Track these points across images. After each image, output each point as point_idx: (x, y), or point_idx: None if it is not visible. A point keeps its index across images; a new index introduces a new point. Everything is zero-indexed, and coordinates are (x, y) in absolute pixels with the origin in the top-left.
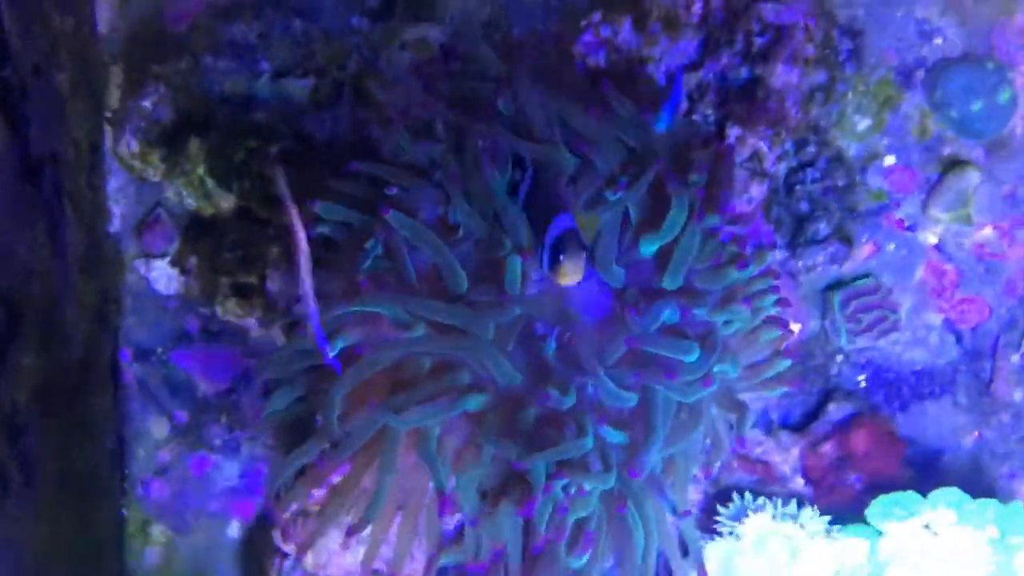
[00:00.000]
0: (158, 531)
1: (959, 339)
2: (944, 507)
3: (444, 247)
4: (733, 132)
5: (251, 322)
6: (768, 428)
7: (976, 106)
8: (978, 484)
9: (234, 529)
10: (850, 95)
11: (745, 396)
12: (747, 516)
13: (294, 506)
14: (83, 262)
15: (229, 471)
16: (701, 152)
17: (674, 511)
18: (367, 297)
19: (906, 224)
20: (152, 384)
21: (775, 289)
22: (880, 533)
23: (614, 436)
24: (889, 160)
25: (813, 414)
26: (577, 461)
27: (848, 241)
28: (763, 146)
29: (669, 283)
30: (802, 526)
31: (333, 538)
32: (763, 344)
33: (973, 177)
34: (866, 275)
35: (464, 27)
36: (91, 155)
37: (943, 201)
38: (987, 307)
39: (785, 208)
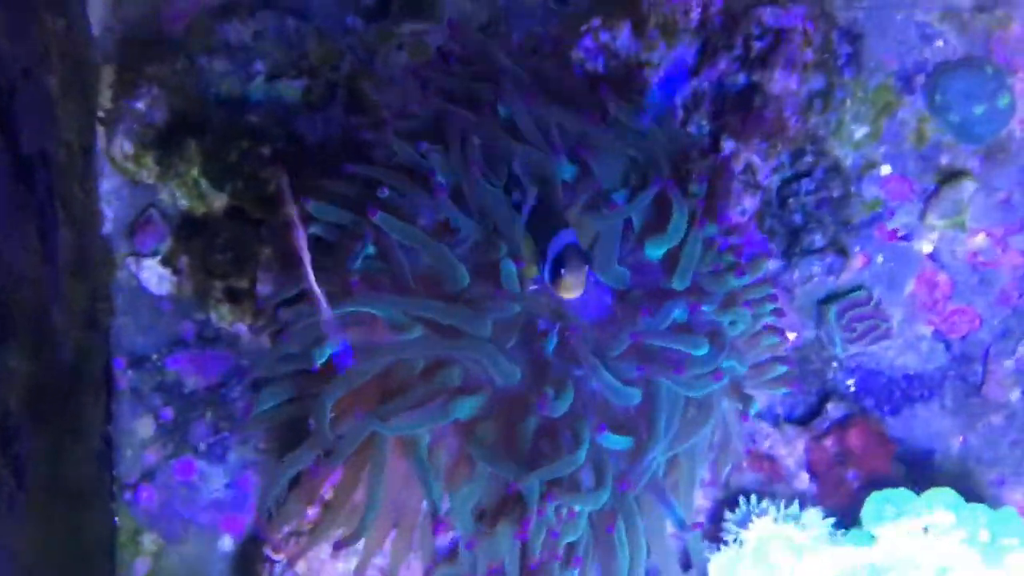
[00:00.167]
0: (149, 540)
1: (948, 347)
2: (943, 509)
3: (438, 245)
4: (728, 145)
5: (242, 327)
6: (775, 422)
7: (978, 109)
8: (966, 487)
9: (226, 540)
10: (848, 102)
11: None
12: (751, 521)
13: (286, 528)
14: (74, 265)
15: (218, 477)
16: (699, 163)
17: (681, 525)
18: (361, 297)
19: (900, 234)
20: (146, 390)
21: (773, 297)
22: (875, 535)
23: (615, 443)
24: (885, 169)
25: (814, 412)
26: (568, 479)
27: (844, 252)
28: (756, 160)
29: (678, 283)
30: (804, 528)
31: (325, 547)
32: (764, 348)
33: (969, 186)
34: (859, 287)
35: (463, 30)
36: (83, 157)
37: (940, 209)
38: (978, 317)
39: (778, 220)
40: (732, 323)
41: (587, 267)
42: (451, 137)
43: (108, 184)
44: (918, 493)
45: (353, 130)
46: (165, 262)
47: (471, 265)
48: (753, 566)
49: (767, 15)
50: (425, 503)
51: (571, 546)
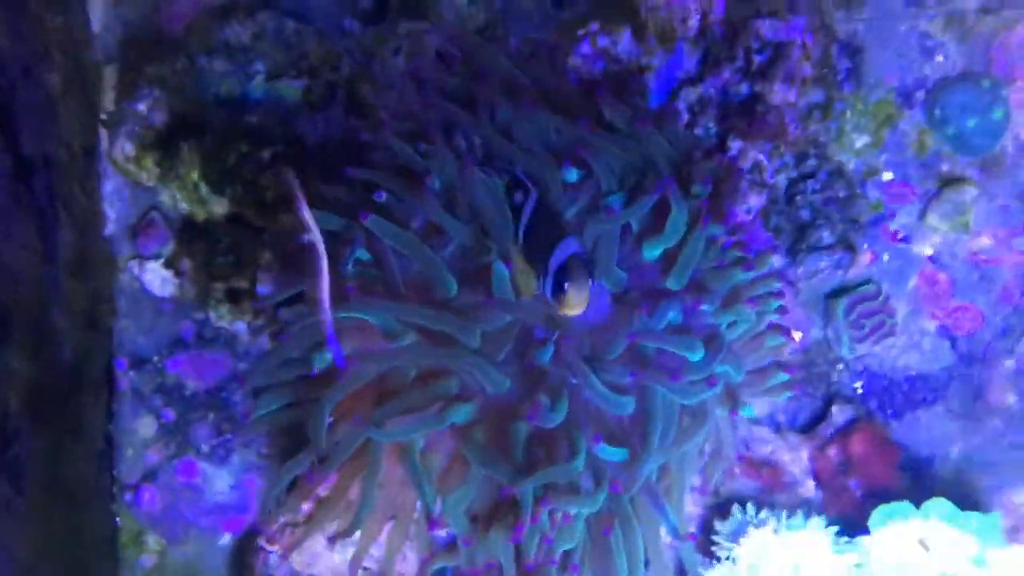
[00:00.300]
0: (152, 540)
1: (953, 344)
2: (937, 520)
3: (428, 251)
4: (735, 144)
5: (242, 327)
6: (776, 429)
7: (972, 122)
8: (966, 492)
9: (226, 538)
10: (848, 113)
11: (751, 400)
12: (746, 534)
13: (282, 518)
14: (75, 266)
15: (221, 479)
16: (704, 164)
17: (675, 534)
18: (354, 304)
19: (900, 235)
20: (147, 392)
21: (779, 294)
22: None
23: (610, 454)
24: (887, 175)
25: (819, 417)
26: (566, 483)
27: (852, 248)
28: (763, 158)
29: (674, 284)
30: (807, 538)
31: (320, 540)
32: (767, 350)
33: (971, 191)
34: (868, 281)
35: (460, 32)
36: (85, 158)
37: (941, 211)
38: (980, 315)
39: (785, 217)
40: (732, 324)
41: (591, 282)
42: (449, 136)
43: (110, 185)
44: (919, 503)
45: (352, 132)
46: (167, 264)
47: (459, 269)
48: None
49: (766, 28)
50: (420, 505)
51: (568, 552)
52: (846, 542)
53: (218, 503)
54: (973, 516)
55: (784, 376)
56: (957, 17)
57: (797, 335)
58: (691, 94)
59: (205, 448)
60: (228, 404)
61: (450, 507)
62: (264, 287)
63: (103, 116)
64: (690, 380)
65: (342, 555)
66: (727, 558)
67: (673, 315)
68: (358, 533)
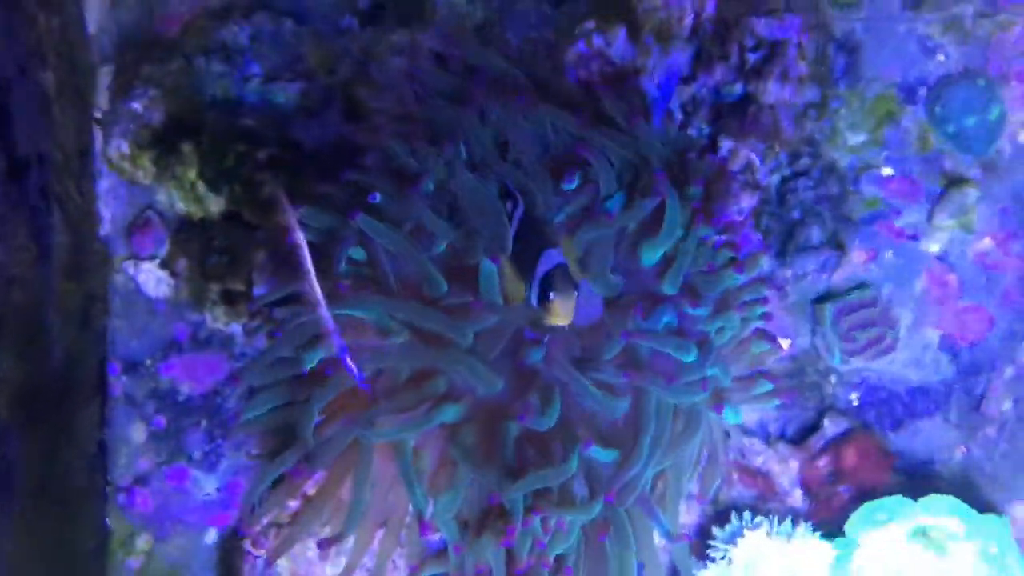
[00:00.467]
0: (141, 541)
1: (956, 353)
2: (946, 514)
3: (418, 251)
4: (725, 144)
5: (238, 329)
6: (766, 439)
7: (970, 121)
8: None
9: (211, 535)
10: (843, 111)
11: (738, 406)
12: (742, 536)
13: (266, 518)
14: (69, 266)
15: (210, 483)
16: (697, 164)
17: (668, 537)
18: (349, 300)
19: (908, 233)
20: (140, 396)
21: (764, 300)
22: (855, 543)
23: (603, 455)
24: (887, 171)
25: (810, 429)
26: (559, 489)
27: (841, 247)
28: (755, 158)
29: (668, 288)
30: (795, 543)
31: (311, 547)
32: (753, 357)
33: (972, 192)
34: (862, 285)
35: (457, 33)
36: (79, 158)
37: (948, 209)
38: (989, 317)
39: (776, 218)
40: (720, 330)
41: (576, 291)
42: (445, 138)
43: (105, 184)
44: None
45: (348, 133)
46: (163, 265)
47: (449, 270)
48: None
49: (760, 26)
50: (411, 508)
51: (561, 556)
52: (833, 545)
53: (205, 502)
54: (984, 516)
55: (768, 385)
56: (956, 21)
57: (785, 343)
58: (684, 93)
59: (197, 455)
60: (221, 410)
61: (440, 511)
62: (259, 288)
63: (98, 115)
64: (684, 382)
65: (334, 569)
66: (722, 558)
67: (668, 319)
68: (349, 539)
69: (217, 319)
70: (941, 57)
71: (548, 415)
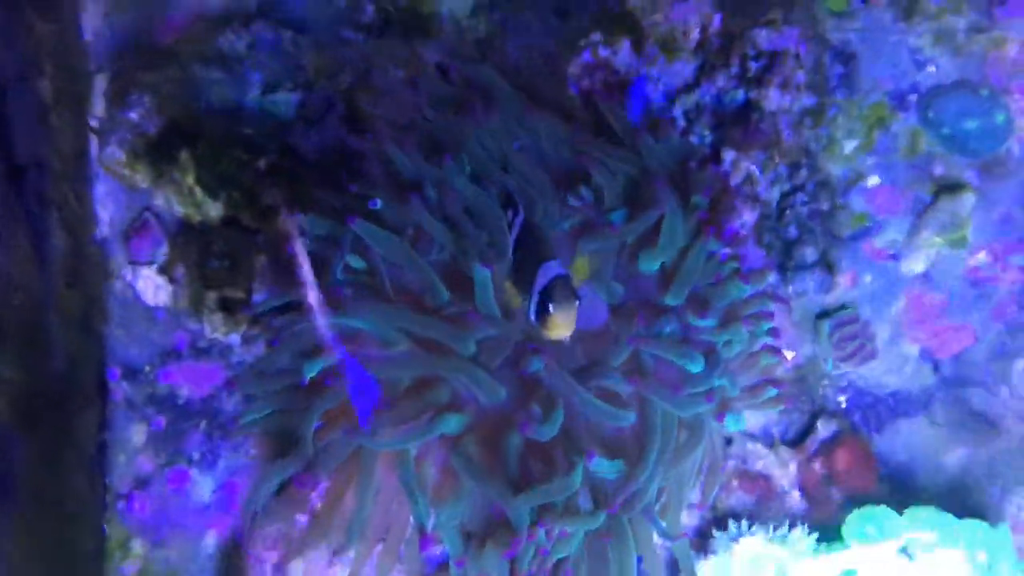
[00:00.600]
0: (138, 544)
1: (936, 368)
2: (924, 529)
3: (418, 258)
4: (728, 156)
5: (236, 337)
6: (770, 443)
7: (971, 124)
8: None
9: (210, 539)
10: (840, 119)
11: (744, 412)
12: (738, 542)
13: (273, 526)
14: (68, 271)
15: (206, 485)
16: (701, 173)
17: (665, 535)
18: (348, 309)
19: (889, 252)
20: (139, 402)
21: (770, 315)
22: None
23: (607, 467)
24: (873, 180)
25: (807, 431)
26: (563, 501)
27: (831, 269)
28: (755, 170)
29: (672, 299)
30: (791, 547)
31: (313, 560)
32: (761, 369)
33: (969, 199)
34: (845, 306)
35: (459, 46)
36: (77, 164)
37: (937, 223)
38: (972, 334)
39: (776, 233)
40: (727, 343)
41: (577, 303)
42: (445, 145)
43: (103, 188)
44: (900, 511)
45: (349, 141)
46: (161, 271)
47: (446, 277)
48: (744, 571)
49: (761, 37)
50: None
51: (561, 560)
52: (826, 547)
53: (204, 504)
54: (977, 526)
55: (774, 391)
56: (947, 34)
57: (790, 354)
58: (687, 100)
59: (196, 456)
60: (220, 414)
61: (443, 523)
62: (258, 295)
63: (93, 123)
64: (690, 392)
65: None
66: (724, 550)
67: (671, 330)
68: (349, 555)
69: (216, 328)
70: (932, 68)
71: (550, 425)
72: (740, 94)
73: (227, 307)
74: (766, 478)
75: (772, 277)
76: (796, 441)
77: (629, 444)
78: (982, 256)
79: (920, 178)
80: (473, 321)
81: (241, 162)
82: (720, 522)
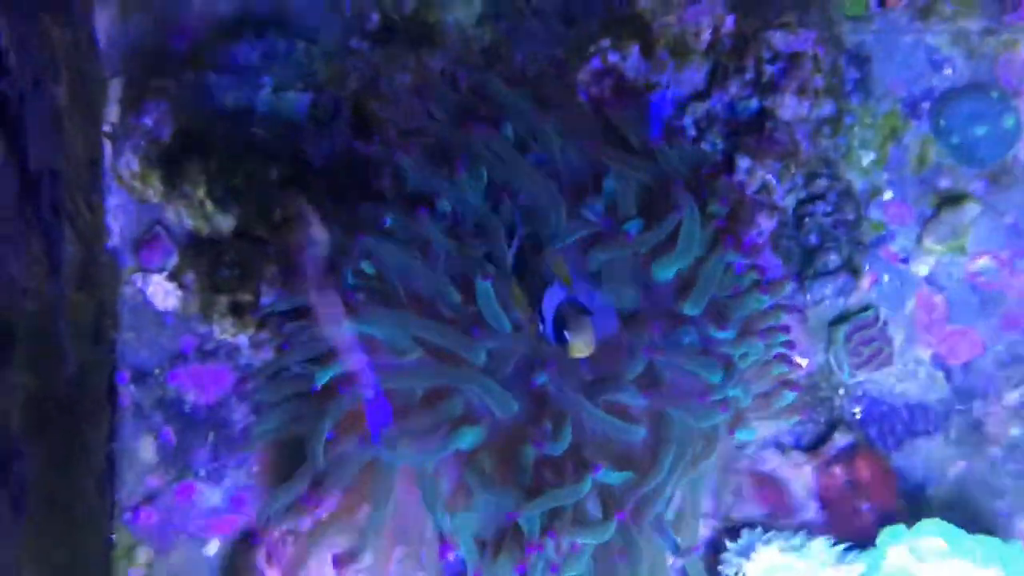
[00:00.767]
0: (143, 552)
1: (948, 375)
2: (932, 536)
3: (429, 270)
4: (743, 163)
5: (245, 340)
6: (781, 451)
7: (980, 131)
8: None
9: (214, 544)
10: (856, 128)
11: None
12: (755, 551)
13: (279, 531)
14: (80, 280)
15: (215, 494)
16: (717, 182)
17: (676, 551)
18: (359, 315)
19: (900, 256)
20: (147, 407)
21: (785, 328)
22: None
23: (613, 478)
24: (888, 195)
25: (822, 440)
26: (573, 511)
27: (856, 273)
28: (772, 179)
29: (690, 309)
30: (811, 558)
31: (327, 562)
32: (772, 378)
33: (972, 209)
34: (867, 307)
35: (466, 55)
36: (89, 171)
37: (938, 233)
38: (980, 341)
39: (794, 241)
40: (743, 355)
41: (591, 320)
42: (455, 155)
43: (115, 199)
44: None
45: (359, 150)
46: (171, 277)
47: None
48: None
49: (777, 39)
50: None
51: None
52: (851, 558)
53: (208, 511)
54: (988, 540)
55: (791, 395)
56: (963, 34)
57: (803, 362)
58: (698, 108)
59: (202, 472)
60: (228, 422)
61: (458, 528)
62: (267, 299)
63: (107, 129)
64: (706, 403)
65: None
66: (735, 574)
67: (689, 340)
68: (368, 560)
69: (225, 331)
70: (948, 70)
71: (560, 441)
72: (754, 101)
73: (237, 311)
74: (779, 488)
75: (789, 287)
76: (809, 450)
77: (641, 457)
78: (983, 262)
79: (926, 192)
80: (479, 335)
81: (253, 173)
82: (732, 533)
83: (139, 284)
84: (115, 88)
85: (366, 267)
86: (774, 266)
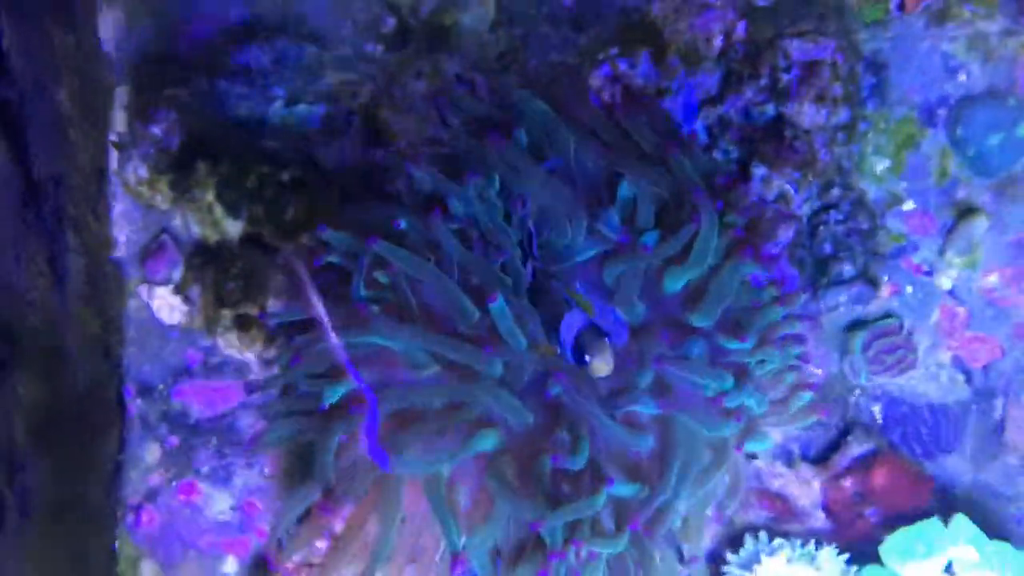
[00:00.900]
0: (148, 566)
1: (969, 378)
2: (964, 542)
3: (445, 278)
4: (759, 172)
5: (251, 355)
6: (789, 460)
7: (995, 139)
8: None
9: (230, 563)
10: (870, 135)
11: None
12: (759, 563)
13: (296, 557)
14: (85, 290)
15: (223, 500)
16: (736, 192)
17: (681, 558)
18: (375, 327)
19: (924, 269)
20: (153, 420)
21: (801, 339)
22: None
23: (624, 490)
24: (908, 205)
25: (833, 447)
26: (590, 520)
27: (874, 283)
28: (789, 188)
29: (701, 320)
30: (819, 569)
31: None
32: (786, 387)
33: (981, 224)
34: (888, 315)
35: (481, 60)
36: (95, 180)
37: (956, 246)
38: (999, 348)
39: (807, 250)
40: (760, 363)
41: (608, 341)
42: (470, 165)
43: (120, 207)
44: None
45: (372, 156)
46: (177, 290)
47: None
48: None
49: (794, 47)
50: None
51: None
52: (856, 571)
53: (219, 524)
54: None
55: (807, 395)
56: (980, 38)
57: (818, 371)
58: (711, 115)
59: (206, 470)
60: (234, 431)
61: (475, 546)
62: (275, 312)
63: (114, 137)
64: (717, 412)
65: None
66: None
67: (699, 352)
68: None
69: (230, 345)
70: (963, 76)
71: (579, 455)
72: (770, 107)
73: (243, 325)
74: (784, 497)
75: (804, 296)
76: (822, 457)
77: (650, 466)
78: (993, 278)
79: (948, 203)
80: (493, 352)
81: (264, 178)
82: (735, 541)
83: (144, 297)
84: (122, 95)
85: (379, 276)
86: (791, 276)
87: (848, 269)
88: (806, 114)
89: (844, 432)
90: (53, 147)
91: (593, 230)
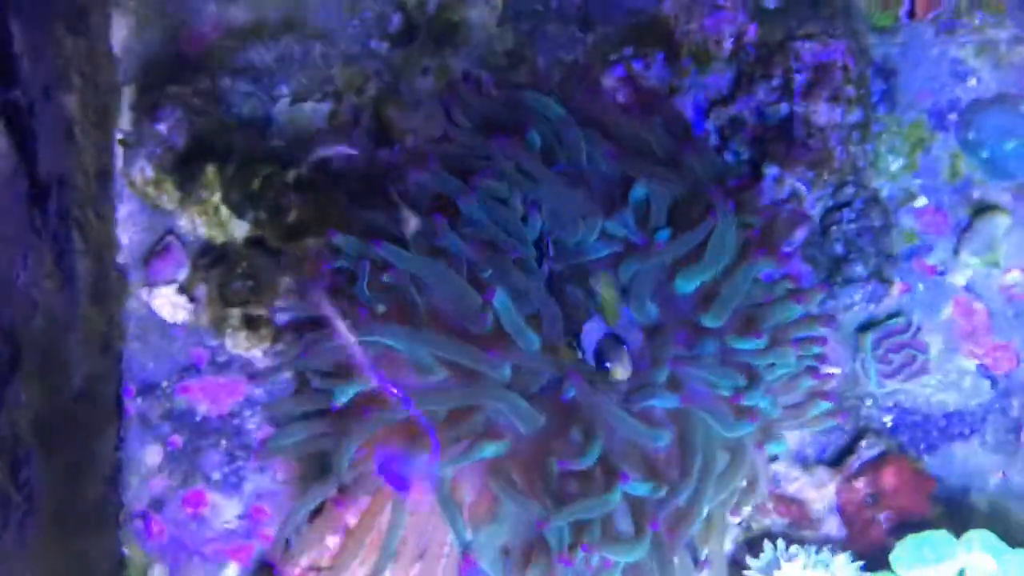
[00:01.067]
0: (156, 573)
1: (993, 383)
2: (980, 551)
3: (458, 278)
4: (771, 171)
5: (259, 354)
6: (804, 464)
7: (1010, 145)
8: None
9: (231, 569)
10: (884, 135)
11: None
12: (778, 569)
13: (304, 559)
14: (90, 292)
15: (231, 508)
16: (746, 194)
17: (695, 562)
18: (381, 329)
19: (938, 269)
20: (155, 419)
21: (821, 340)
22: None
23: (640, 488)
24: (921, 201)
25: (847, 450)
26: (603, 522)
27: (887, 282)
28: (801, 187)
29: (712, 321)
30: (833, 574)
31: None
32: (802, 390)
33: (1002, 222)
34: (898, 314)
35: (489, 57)
36: (99, 181)
37: (973, 246)
38: (1016, 354)
39: (820, 249)
40: (771, 366)
41: (626, 348)
42: (478, 165)
43: (126, 209)
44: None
45: (379, 155)
46: (182, 290)
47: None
48: None
49: (805, 49)
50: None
51: None
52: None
53: (225, 531)
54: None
55: (825, 404)
56: (990, 45)
57: (835, 371)
58: (722, 115)
59: (216, 476)
60: (242, 432)
61: (482, 544)
62: (283, 316)
63: (121, 137)
64: (733, 412)
65: None
66: None
67: (712, 351)
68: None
69: (238, 344)
70: (973, 82)
71: (589, 454)
72: (784, 107)
73: (251, 324)
74: (800, 502)
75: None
76: (836, 460)
77: (668, 466)
78: (1015, 275)
79: (961, 202)
80: (500, 355)
81: (269, 178)
82: (753, 546)
83: (146, 298)
84: (128, 95)
85: (386, 278)
86: (804, 274)
87: (860, 271)
88: (821, 112)
89: (857, 436)
90: (60, 149)
91: (606, 231)
